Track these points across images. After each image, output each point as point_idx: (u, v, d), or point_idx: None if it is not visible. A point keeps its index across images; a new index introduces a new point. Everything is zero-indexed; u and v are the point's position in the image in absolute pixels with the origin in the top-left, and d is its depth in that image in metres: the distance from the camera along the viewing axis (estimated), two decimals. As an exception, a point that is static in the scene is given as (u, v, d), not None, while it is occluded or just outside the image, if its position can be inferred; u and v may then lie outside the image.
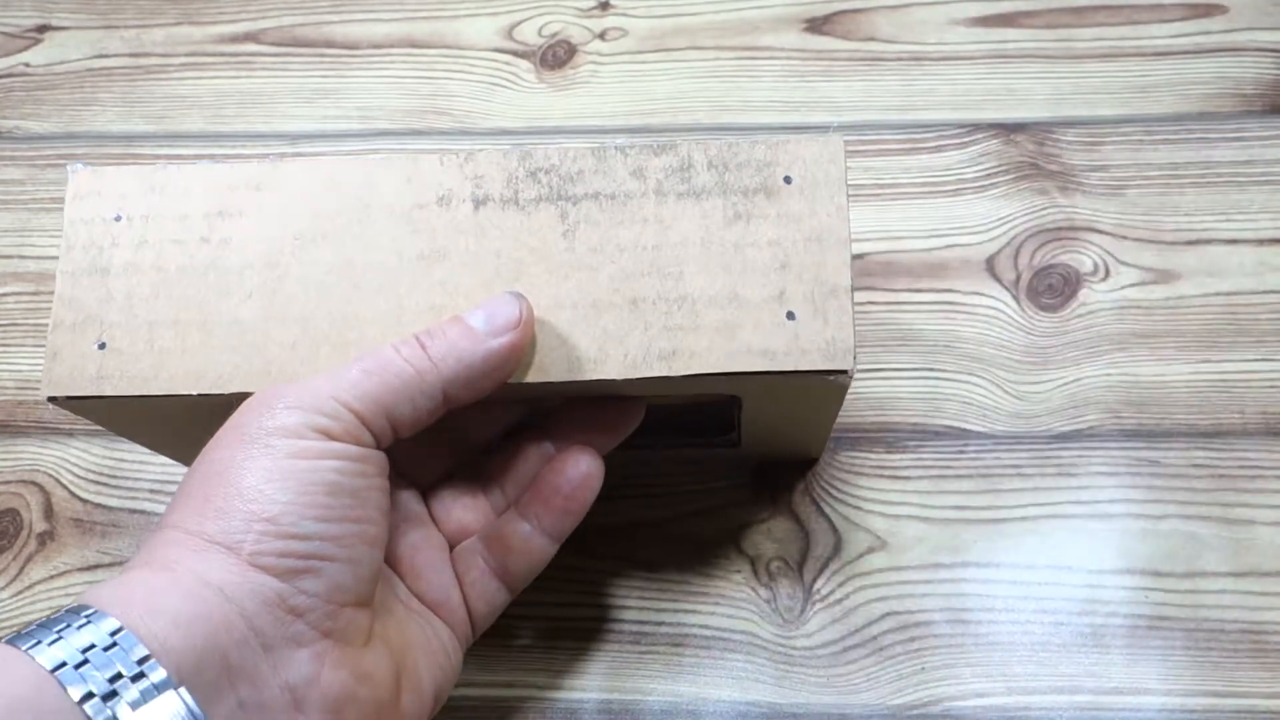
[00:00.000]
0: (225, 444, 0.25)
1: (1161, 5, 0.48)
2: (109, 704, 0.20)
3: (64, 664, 0.20)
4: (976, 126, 0.45)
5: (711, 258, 0.29)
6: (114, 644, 0.20)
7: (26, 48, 0.52)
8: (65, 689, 0.20)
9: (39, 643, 0.20)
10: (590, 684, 0.34)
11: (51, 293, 0.31)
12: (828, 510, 0.37)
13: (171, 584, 0.22)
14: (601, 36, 0.50)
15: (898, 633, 0.34)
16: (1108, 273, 0.41)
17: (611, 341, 0.28)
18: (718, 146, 0.30)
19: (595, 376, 0.28)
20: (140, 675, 0.20)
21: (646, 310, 0.28)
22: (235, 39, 0.51)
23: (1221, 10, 0.48)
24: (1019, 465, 0.37)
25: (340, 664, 0.24)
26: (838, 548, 0.36)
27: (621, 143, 0.30)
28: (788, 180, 0.29)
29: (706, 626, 0.35)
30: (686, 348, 0.28)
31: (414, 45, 0.51)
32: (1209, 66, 0.46)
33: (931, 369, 0.39)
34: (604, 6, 0.51)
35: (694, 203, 0.29)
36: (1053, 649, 0.34)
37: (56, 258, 0.29)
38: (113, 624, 0.21)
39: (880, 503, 0.37)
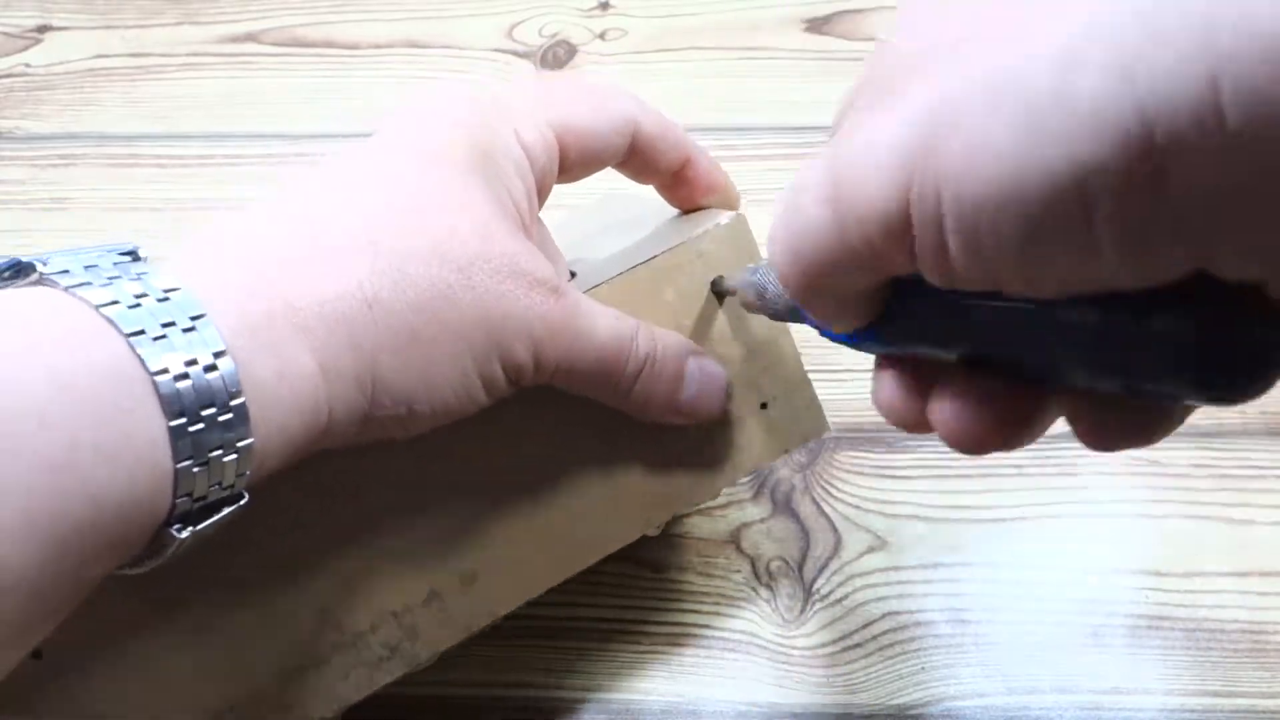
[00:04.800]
0: None
1: None
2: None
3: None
4: (977, 126, 0.45)
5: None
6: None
7: (27, 48, 0.52)
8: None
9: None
10: (590, 684, 0.34)
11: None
12: (828, 510, 0.37)
13: None
14: (601, 36, 0.50)
15: (898, 633, 0.34)
16: (1108, 273, 0.41)
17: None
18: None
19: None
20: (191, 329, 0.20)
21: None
22: (236, 39, 0.51)
23: None
24: (1019, 464, 0.37)
25: None
26: (838, 548, 0.36)
27: None
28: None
29: (707, 626, 0.35)
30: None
31: (415, 45, 0.51)
32: (1209, 66, 0.46)
33: (932, 369, 0.39)
34: (604, 6, 0.51)
35: None
36: (1053, 649, 0.34)
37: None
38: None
39: (880, 503, 0.37)
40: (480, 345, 0.24)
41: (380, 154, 0.25)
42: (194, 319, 0.20)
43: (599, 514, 0.29)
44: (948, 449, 0.36)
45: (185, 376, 0.19)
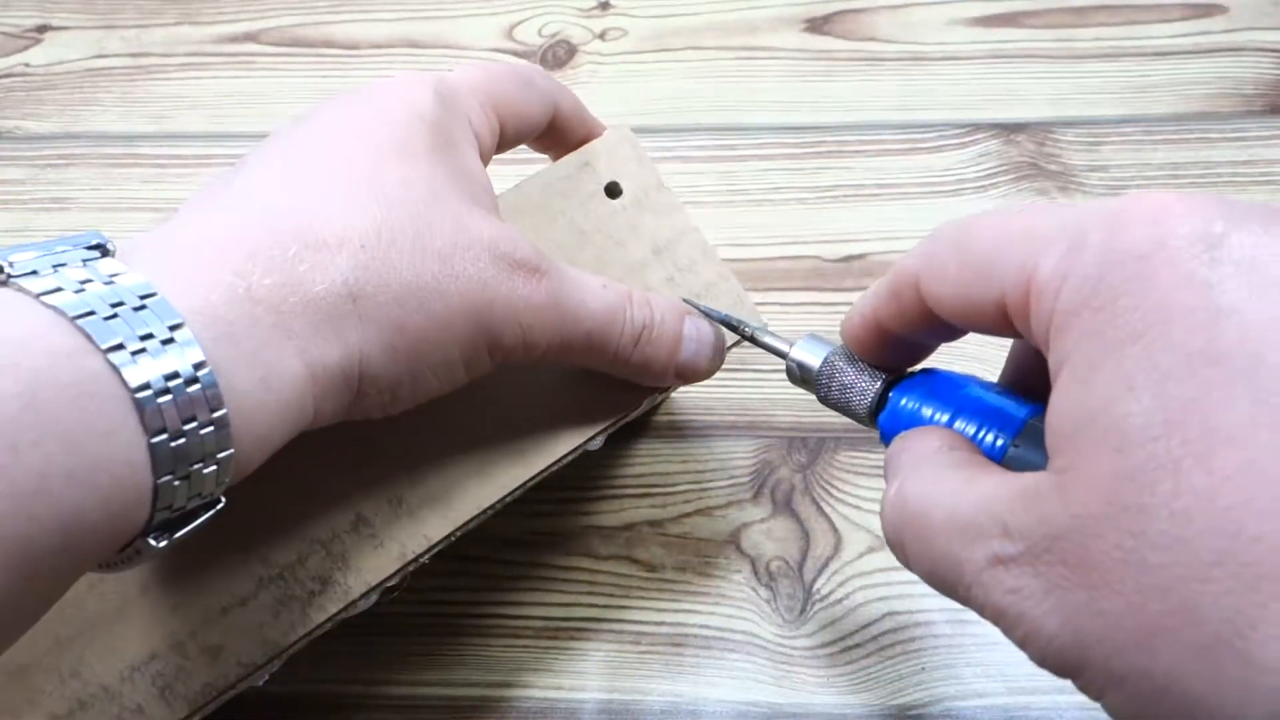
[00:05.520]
0: None
1: (1161, 5, 0.48)
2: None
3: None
4: (976, 126, 0.45)
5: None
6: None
7: (27, 48, 0.52)
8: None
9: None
10: (590, 684, 0.34)
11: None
12: (828, 510, 0.37)
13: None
14: (601, 36, 0.50)
15: (898, 633, 0.34)
16: (1108, 273, 0.41)
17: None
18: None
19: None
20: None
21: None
22: (235, 39, 0.51)
23: (1221, 10, 0.48)
24: (1019, 465, 0.37)
25: None
26: (838, 548, 0.36)
27: None
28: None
29: (706, 626, 0.35)
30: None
31: (414, 45, 0.51)
32: (1209, 66, 0.46)
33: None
34: (604, 6, 0.51)
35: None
36: (1053, 649, 0.34)
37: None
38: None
39: (880, 503, 0.37)
40: (466, 332, 0.24)
41: (342, 144, 0.25)
42: (172, 329, 0.19)
43: (527, 430, 0.29)
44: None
45: (166, 391, 0.18)
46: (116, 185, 0.46)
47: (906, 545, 0.21)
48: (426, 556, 0.28)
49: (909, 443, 0.23)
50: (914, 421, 0.24)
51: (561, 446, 0.29)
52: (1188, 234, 0.17)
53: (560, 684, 0.34)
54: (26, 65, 0.51)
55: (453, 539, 0.28)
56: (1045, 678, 0.34)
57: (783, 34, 0.49)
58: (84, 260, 0.20)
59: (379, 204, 0.24)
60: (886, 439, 0.24)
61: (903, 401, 0.24)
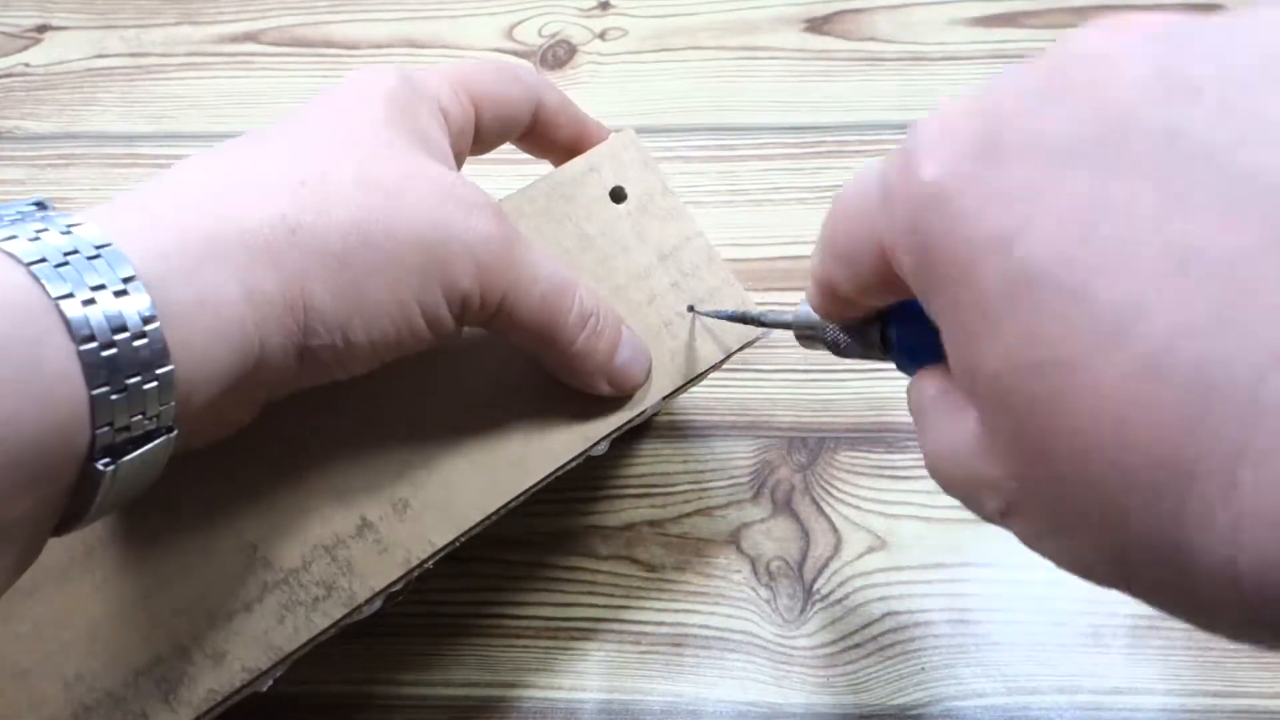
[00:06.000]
0: None
1: (1161, 5, 0.48)
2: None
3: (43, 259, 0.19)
4: (976, 126, 0.45)
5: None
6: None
7: (26, 48, 0.52)
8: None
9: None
10: (590, 684, 0.34)
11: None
12: (828, 510, 0.37)
13: None
14: (601, 36, 0.50)
15: (898, 633, 0.34)
16: (1108, 273, 0.41)
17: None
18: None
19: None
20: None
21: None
22: (235, 39, 0.51)
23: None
24: (1019, 465, 0.37)
25: None
26: (838, 548, 0.36)
27: None
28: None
29: (706, 626, 0.35)
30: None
31: (414, 45, 0.51)
32: (1209, 66, 0.46)
33: (931, 369, 0.39)
34: (604, 6, 0.51)
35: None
36: (1053, 649, 0.34)
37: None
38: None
39: (880, 503, 0.37)
40: (417, 269, 0.24)
41: (303, 116, 0.25)
42: (99, 248, 0.19)
43: (532, 434, 0.29)
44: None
45: (92, 302, 0.19)
46: (116, 185, 0.46)
47: (957, 500, 0.20)
48: (431, 561, 0.28)
49: (913, 394, 0.22)
50: (923, 349, 0.23)
51: (566, 452, 0.29)
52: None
53: (560, 684, 0.34)
54: (26, 65, 0.51)
55: (457, 544, 0.28)
56: (1045, 678, 0.34)
57: (782, 34, 0.49)
58: (19, 210, 0.21)
59: (327, 150, 0.24)
60: (910, 373, 0.24)
61: (902, 333, 0.24)
